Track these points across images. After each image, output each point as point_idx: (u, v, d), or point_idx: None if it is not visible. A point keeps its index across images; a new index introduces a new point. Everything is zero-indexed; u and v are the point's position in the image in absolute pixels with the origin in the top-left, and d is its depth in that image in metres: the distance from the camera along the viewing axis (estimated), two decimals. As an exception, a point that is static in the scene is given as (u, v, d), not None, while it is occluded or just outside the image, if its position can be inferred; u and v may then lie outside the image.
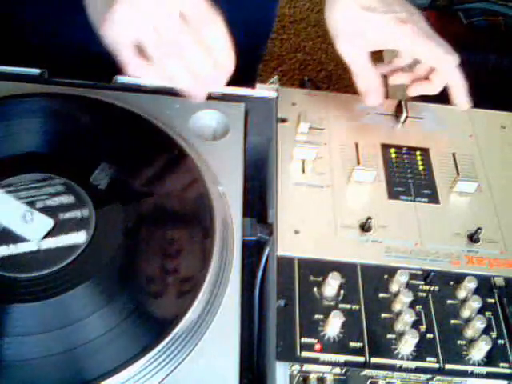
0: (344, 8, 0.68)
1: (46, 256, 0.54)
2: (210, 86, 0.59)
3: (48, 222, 0.56)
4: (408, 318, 0.53)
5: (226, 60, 0.57)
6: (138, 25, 0.54)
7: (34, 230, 0.55)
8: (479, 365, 0.53)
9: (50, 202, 0.57)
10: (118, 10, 0.53)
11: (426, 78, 0.70)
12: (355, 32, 0.68)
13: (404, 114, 0.71)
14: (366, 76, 0.69)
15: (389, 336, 0.53)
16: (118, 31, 0.54)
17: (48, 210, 0.57)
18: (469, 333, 0.54)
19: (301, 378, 0.53)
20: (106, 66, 0.59)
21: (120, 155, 0.62)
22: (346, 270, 0.57)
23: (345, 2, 0.68)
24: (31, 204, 0.57)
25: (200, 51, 0.56)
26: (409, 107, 0.71)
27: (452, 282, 0.57)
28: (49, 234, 0.55)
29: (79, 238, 0.55)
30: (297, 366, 0.52)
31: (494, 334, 0.54)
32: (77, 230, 0.56)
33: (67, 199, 0.58)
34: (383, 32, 0.67)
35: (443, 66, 0.67)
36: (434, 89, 0.69)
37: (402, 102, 0.71)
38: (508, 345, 0.54)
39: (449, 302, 0.56)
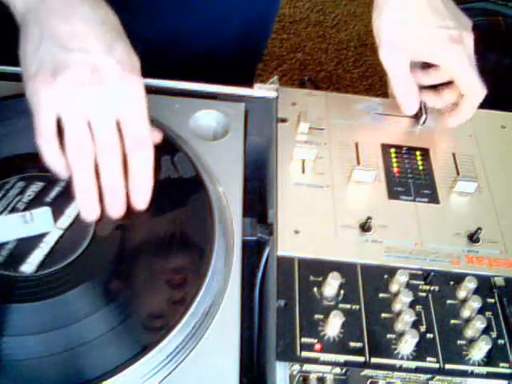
0: (392, 17, 0.66)
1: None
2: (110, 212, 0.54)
3: (46, 209, 0.56)
4: (408, 318, 0.53)
5: (138, 197, 0.54)
6: (79, 105, 0.50)
7: (40, 225, 0.56)
8: (479, 365, 0.53)
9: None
10: (69, 75, 0.50)
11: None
12: (401, 43, 0.66)
13: (424, 116, 0.70)
14: (405, 87, 0.68)
15: (389, 336, 0.53)
16: (55, 97, 0.50)
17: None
18: (469, 333, 0.54)
19: (301, 378, 0.53)
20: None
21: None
22: (345, 269, 0.57)
23: (394, 11, 0.66)
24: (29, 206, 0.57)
25: (119, 180, 0.52)
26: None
27: (452, 282, 0.57)
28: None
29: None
30: (297, 366, 0.52)
31: (493, 334, 0.54)
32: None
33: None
34: (432, 47, 0.66)
35: (475, 99, 0.67)
36: (463, 117, 0.69)
37: (422, 104, 0.70)
38: (508, 345, 0.54)
39: (449, 301, 0.56)
